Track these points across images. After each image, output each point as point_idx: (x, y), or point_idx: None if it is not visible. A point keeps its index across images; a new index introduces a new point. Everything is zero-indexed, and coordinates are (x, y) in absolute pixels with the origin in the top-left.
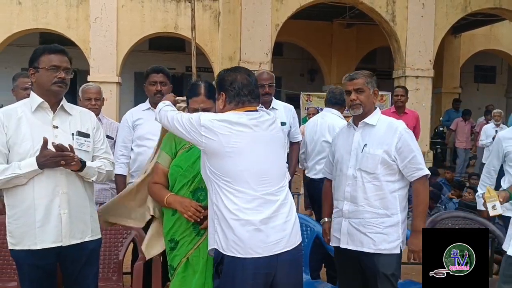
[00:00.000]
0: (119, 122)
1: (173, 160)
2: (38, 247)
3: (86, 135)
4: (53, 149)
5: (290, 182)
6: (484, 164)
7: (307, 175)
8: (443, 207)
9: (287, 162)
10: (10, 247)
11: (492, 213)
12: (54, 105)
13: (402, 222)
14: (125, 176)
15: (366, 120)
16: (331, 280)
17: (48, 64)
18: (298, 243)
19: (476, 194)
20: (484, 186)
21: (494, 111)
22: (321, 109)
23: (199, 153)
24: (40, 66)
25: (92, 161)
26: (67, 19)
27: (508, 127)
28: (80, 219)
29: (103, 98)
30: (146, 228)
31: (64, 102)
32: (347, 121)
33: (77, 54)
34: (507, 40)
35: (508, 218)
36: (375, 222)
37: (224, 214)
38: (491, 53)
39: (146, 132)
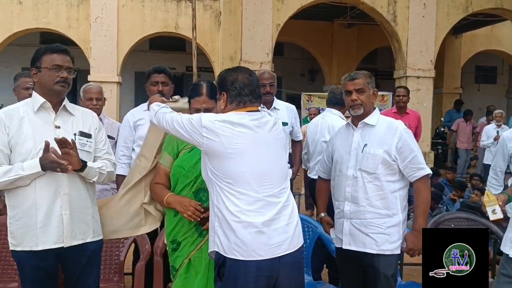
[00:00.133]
0: (120, 122)
1: (175, 160)
2: (40, 248)
3: (88, 136)
4: (56, 148)
5: (291, 182)
6: (485, 164)
7: (308, 175)
8: (445, 207)
9: (289, 162)
10: (11, 248)
11: (492, 217)
12: (56, 105)
13: (403, 222)
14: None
15: (366, 120)
16: (333, 281)
17: (51, 64)
18: (301, 245)
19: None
20: (492, 187)
21: (496, 111)
22: (323, 110)
23: (201, 153)
24: (43, 66)
25: (93, 161)
26: (67, 19)
27: (509, 127)
28: (82, 220)
29: (104, 98)
30: None
31: (66, 102)
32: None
33: (77, 54)
34: (508, 41)
35: None
36: (377, 223)
37: (226, 216)
38: (492, 53)
39: None
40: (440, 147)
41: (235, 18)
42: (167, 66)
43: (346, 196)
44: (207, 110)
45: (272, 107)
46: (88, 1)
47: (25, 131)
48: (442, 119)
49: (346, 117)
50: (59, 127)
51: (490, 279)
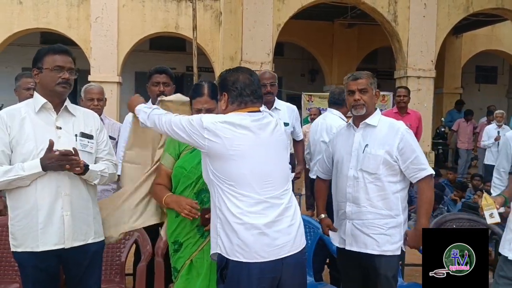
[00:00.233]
0: (120, 122)
1: (176, 161)
2: (41, 249)
3: (90, 137)
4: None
5: (293, 182)
6: (485, 165)
7: (309, 175)
8: (446, 208)
9: (290, 162)
10: (12, 249)
11: (489, 221)
12: (58, 106)
13: (404, 223)
14: None
15: (367, 120)
16: (335, 282)
17: (52, 65)
18: (303, 246)
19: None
20: (496, 187)
21: (496, 111)
22: (323, 110)
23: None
24: (44, 67)
25: (95, 162)
26: (68, 19)
27: (510, 127)
28: (83, 221)
29: (105, 99)
30: (148, 229)
31: (67, 103)
32: (347, 121)
33: (77, 54)
34: (509, 41)
35: None
36: (378, 223)
37: (228, 217)
38: (492, 53)
39: None
40: (440, 147)
41: (235, 18)
42: (168, 67)
43: (347, 197)
44: (208, 111)
45: (273, 107)
46: (88, 1)
47: (27, 132)
48: (443, 119)
49: (348, 117)
50: (60, 128)
51: (491, 280)
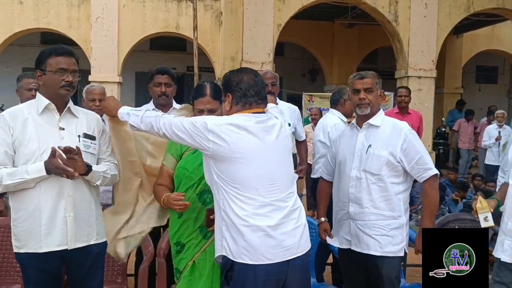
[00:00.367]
0: None
1: (178, 162)
2: (43, 250)
3: (92, 138)
4: (61, 153)
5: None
6: (486, 165)
7: (311, 175)
8: (447, 208)
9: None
10: (15, 250)
11: (483, 224)
12: (61, 107)
13: (406, 224)
14: None
15: (371, 121)
16: (337, 283)
17: (55, 67)
18: (309, 248)
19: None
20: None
21: (497, 111)
22: (324, 110)
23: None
24: (47, 69)
25: (97, 163)
26: (68, 19)
27: (511, 127)
28: (86, 221)
29: None
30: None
31: (70, 104)
32: (347, 121)
33: (78, 54)
34: (509, 41)
35: None
36: (381, 224)
37: (233, 220)
38: (493, 53)
39: None
40: (441, 147)
41: (236, 18)
42: (169, 67)
43: (350, 198)
44: (211, 111)
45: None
46: (89, 1)
47: (29, 132)
48: (443, 119)
49: (352, 117)
50: (63, 129)
51: (491, 280)
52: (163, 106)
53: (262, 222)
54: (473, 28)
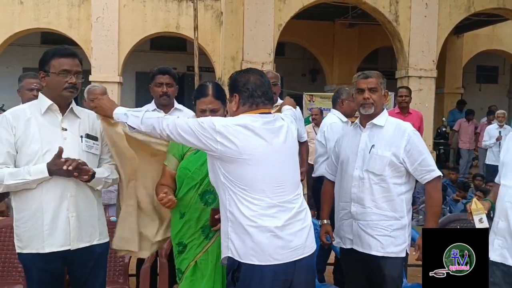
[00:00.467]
0: None
1: (180, 162)
2: (46, 250)
3: (95, 138)
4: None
5: None
6: (487, 165)
7: (312, 174)
8: (448, 208)
9: None
10: (17, 251)
11: (478, 226)
12: (64, 108)
13: (408, 225)
14: None
15: (374, 121)
16: (339, 284)
17: (59, 69)
18: (314, 249)
19: None
20: None
21: (498, 111)
22: (325, 110)
23: (207, 156)
24: (51, 70)
25: (98, 163)
26: (68, 19)
27: (511, 127)
28: (88, 222)
29: None
30: None
31: (73, 105)
32: (352, 121)
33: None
34: (510, 40)
35: None
36: (383, 225)
37: (240, 220)
38: (493, 53)
39: None
40: (442, 147)
41: (236, 18)
42: (170, 67)
43: (352, 197)
44: (213, 111)
45: None
46: (89, 1)
47: (32, 132)
48: (444, 119)
49: (355, 117)
50: (65, 129)
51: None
52: (165, 106)
53: (270, 223)
54: (473, 28)
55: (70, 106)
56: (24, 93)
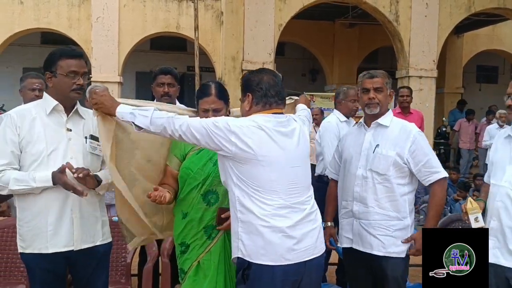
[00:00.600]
0: None
1: (182, 162)
2: (50, 251)
3: (98, 139)
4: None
5: None
6: (487, 165)
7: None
8: (448, 208)
9: None
10: (20, 251)
11: (474, 225)
12: (69, 108)
13: (411, 226)
14: None
15: (379, 120)
16: (339, 284)
17: (67, 70)
18: (324, 249)
19: None
20: None
21: (499, 111)
22: (325, 110)
23: (209, 155)
24: (58, 72)
25: (101, 163)
26: (68, 19)
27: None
28: (92, 223)
29: None
30: None
31: (78, 106)
32: (356, 121)
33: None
34: (510, 40)
35: None
36: (385, 225)
37: (252, 220)
38: (493, 53)
39: None
40: (442, 147)
41: (237, 18)
42: (172, 67)
43: (354, 196)
44: (216, 111)
45: None
46: (89, 1)
47: (37, 132)
48: (444, 118)
49: (359, 117)
50: (70, 130)
51: None
52: None
53: (282, 223)
54: (473, 28)
55: (75, 107)
56: (26, 93)
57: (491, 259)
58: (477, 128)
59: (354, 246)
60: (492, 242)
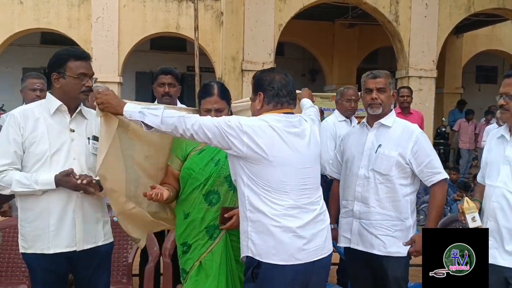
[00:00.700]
0: None
1: (183, 162)
2: (51, 251)
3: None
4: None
5: None
6: None
7: None
8: (448, 208)
9: None
10: (22, 251)
11: (471, 225)
12: (72, 109)
13: (412, 226)
14: None
15: (382, 121)
16: (340, 284)
17: (76, 72)
18: (331, 250)
19: None
20: None
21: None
22: (325, 110)
23: (210, 155)
24: (67, 73)
25: None
26: (68, 19)
27: None
28: (94, 223)
29: None
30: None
31: (81, 106)
32: (358, 122)
33: None
34: (509, 41)
35: None
36: (386, 225)
37: (262, 220)
38: (493, 53)
39: None
40: (442, 147)
41: (237, 18)
42: (173, 67)
43: (355, 196)
44: (218, 111)
45: None
46: (89, 1)
47: (41, 133)
48: (444, 119)
49: (358, 117)
50: (73, 131)
51: None
52: None
53: (293, 223)
54: (473, 28)
55: (79, 108)
56: (27, 93)
57: (490, 260)
58: (477, 128)
59: (352, 246)
60: (489, 243)
